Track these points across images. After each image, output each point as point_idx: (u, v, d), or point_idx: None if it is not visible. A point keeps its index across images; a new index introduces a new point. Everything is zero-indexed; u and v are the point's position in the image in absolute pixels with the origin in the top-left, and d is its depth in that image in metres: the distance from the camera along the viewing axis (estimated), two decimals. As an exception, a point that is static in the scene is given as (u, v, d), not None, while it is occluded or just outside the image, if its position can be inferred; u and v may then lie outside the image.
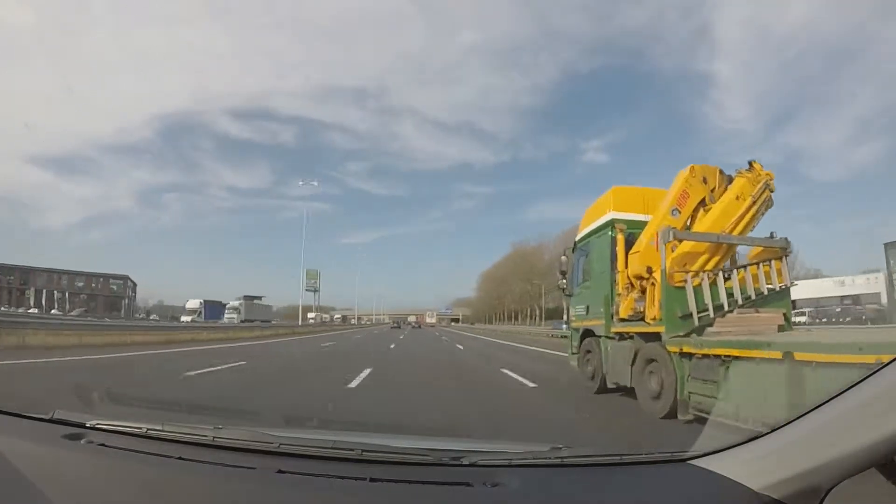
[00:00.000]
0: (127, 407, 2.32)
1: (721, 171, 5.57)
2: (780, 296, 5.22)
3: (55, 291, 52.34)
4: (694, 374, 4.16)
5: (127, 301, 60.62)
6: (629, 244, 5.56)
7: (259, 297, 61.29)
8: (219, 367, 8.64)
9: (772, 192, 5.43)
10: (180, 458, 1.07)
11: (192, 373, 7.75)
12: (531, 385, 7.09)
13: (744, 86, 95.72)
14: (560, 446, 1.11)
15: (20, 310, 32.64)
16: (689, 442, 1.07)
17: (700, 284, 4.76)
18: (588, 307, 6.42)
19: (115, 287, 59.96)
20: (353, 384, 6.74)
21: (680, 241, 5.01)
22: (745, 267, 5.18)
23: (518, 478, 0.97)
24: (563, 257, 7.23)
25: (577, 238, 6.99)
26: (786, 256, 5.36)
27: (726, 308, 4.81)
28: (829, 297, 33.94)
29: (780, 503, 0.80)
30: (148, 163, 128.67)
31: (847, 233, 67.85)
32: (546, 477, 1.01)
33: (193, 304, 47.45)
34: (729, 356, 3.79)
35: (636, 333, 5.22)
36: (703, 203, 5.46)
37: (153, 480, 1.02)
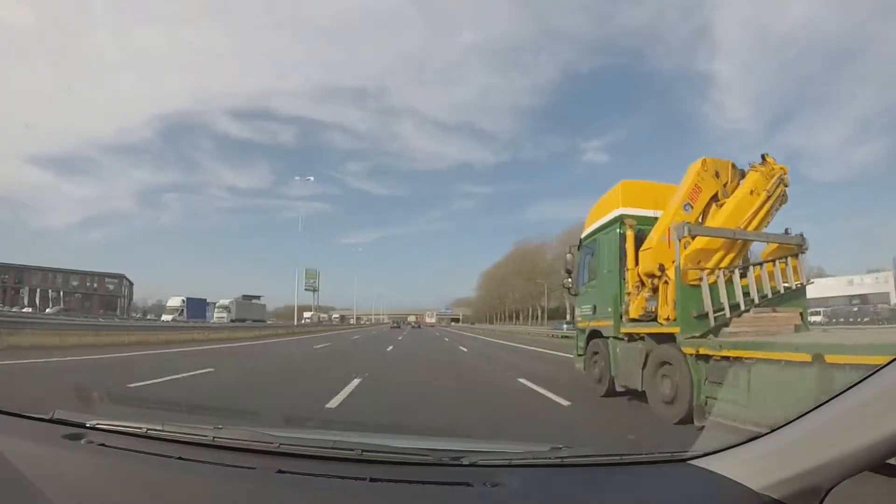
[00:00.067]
0: (127, 407, 2.33)
1: (734, 165, 5.41)
2: (795, 294, 5.04)
3: (50, 290, 51.98)
4: (712, 378, 3.95)
5: (123, 300, 60.09)
6: (639, 241, 5.37)
7: (258, 297, 60.72)
8: (177, 376, 7.23)
9: (786, 186, 5.27)
10: (180, 458, 1.07)
11: (140, 384, 6.34)
12: (564, 402, 5.59)
13: (744, 86, 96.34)
14: (560, 446, 1.11)
15: (14, 309, 32.20)
16: (689, 442, 1.07)
17: (716, 282, 4.54)
18: (595, 307, 6.22)
19: (111, 286, 59.33)
20: (334, 402, 5.28)
21: (693, 236, 4.77)
22: (760, 264, 4.98)
23: (518, 478, 0.97)
24: (569, 255, 6.99)
25: (583, 235, 6.80)
26: (801, 253, 5.18)
27: (742, 307, 4.60)
28: (838, 297, 33.71)
29: (780, 503, 0.79)
30: (148, 163, 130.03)
31: (847, 233, 67.94)
32: (546, 477, 1.01)
33: (175, 301, 44.93)
34: (751, 358, 3.58)
35: (648, 334, 5.03)
36: (715, 198, 5.29)
37: (153, 480, 1.02)
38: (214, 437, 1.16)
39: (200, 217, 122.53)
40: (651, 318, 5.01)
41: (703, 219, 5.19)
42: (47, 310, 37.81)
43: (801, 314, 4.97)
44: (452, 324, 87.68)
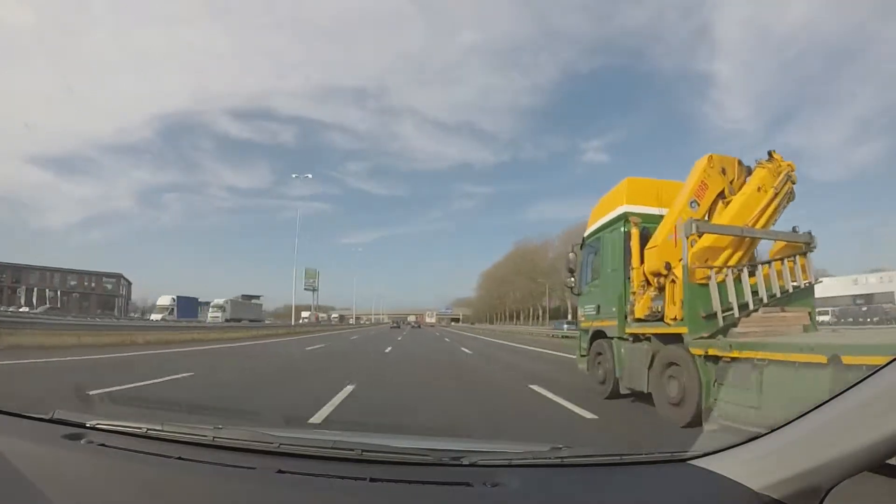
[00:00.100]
0: (127, 407, 2.32)
1: (740, 162, 5.33)
2: (804, 294, 4.96)
3: (47, 290, 51.43)
4: (722, 380, 3.84)
5: (121, 300, 59.64)
6: (644, 239, 5.28)
7: (257, 297, 60.40)
8: (150, 382, 6.57)
9: (793, 183, 5.19)
10: (180, 458, 1.07)
11: (103, 391, 5.12)
12: (588, 415, 4.81)
13: (744, 86, 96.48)
14: (560, 446, 1.11)
15: (10, 308, 31.74)
16: (689, 442, 1.06)
17: (724, 281, 4.42)
18: (599, 307, 6.09)
19: (108, 285, 58.38)
20: (318, 416, 4.52)
21: (701, 234, 4.66)
22: (769, 262, 4.88)
23: (518, 478, 0.97)
24: (571, 254, 6.86)
25: (586, 234, 6.68)
26: (810, 252, 5.09)
27: (751, 307, 4.49)
28: (842, 297, 33.48)
29: (780, 503, 0.79)
30: (148, 163, 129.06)
31: (847, 233, 67.90)
32: (546, 477, 1.01)
33: (164, 300, 43.51)
34: (763, 360, 3.47)
35: (654, 335, 4.92)
36: (721, 195, 5.21)
37: (153, 480, 1.02)
38: (214, 437, 1.16)
39: (200, 217, 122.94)
40: (657, 318, 4.89)
41: (710, 216, 5.12)
42: (30, 308, 36.43)
43: (810, 314, 4.89)
44: (452, 324, 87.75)
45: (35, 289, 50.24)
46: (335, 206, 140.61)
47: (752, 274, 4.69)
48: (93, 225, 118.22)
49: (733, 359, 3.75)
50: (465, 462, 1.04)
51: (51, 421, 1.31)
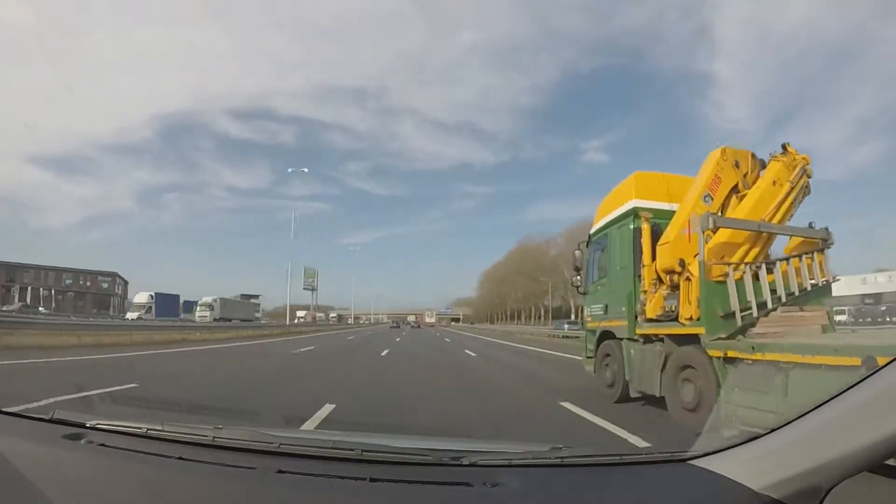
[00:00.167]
0: (127, 407, 2.31)
1: (753, 155, 5.19)
2: (822, 292, 4.76)
3: (41, 289, 50.84)
4: (742, 384, 3.61)
5: (117, 299, 58.95)
6: (654, 235, 5.09)
7: (255, 296, 59.89)
8: (72, 397, 4.58)
9: (809, 177, 5.03)
10: (180, 458, 1.07)
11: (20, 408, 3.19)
12: (642, 444, 3.80)
13: (744, 86, 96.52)
14: (560, 446, 1.11)
15: (3, 307, 31.14)
16: (689, 442, 1.05)
17: (741, 278, 4.19)
18: (606, 306, 5.88)
19: (104, 284, 57.56)
20: None
21: (715, 230, 4.43)
22: (787, 259, 4.65)
23: (518, 478, 0.97)
24: (577, 252, 6.63)
25: (592, 231, 6.46)
26: (827, 248, 4.90)
27: (769, 306, 4.26)
28: (850, 296, 33.10)
29: (780, 503, 0.79)
30: (148, 163, 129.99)
31: (847, 233, 67.75)
32: (546, 477, 1.01)
33: (142, 297, 41.47)
34: (789, 362, 3.25)
35: (668, 335, 4.70)
36: (735, 189, 5.05)
37: (153, 480, 1.02)
38: (214, 437, 1.16)
39: (200, 217, 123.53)
40: (671, 317, 4.68)
41: (723, 211, 4.95)
42: (5, 306, 33.74)
43: (828, 313, 4.68)
44: (452, 323, 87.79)
45: (30, 288, 49.64)
46: (335, 206, 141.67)
47: (770, 271, 4.49)
48: (93, 225, 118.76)
49: (755, 361, 3.55)
50: (465, 462, 1.03)
51: (51, 421, 1.32)
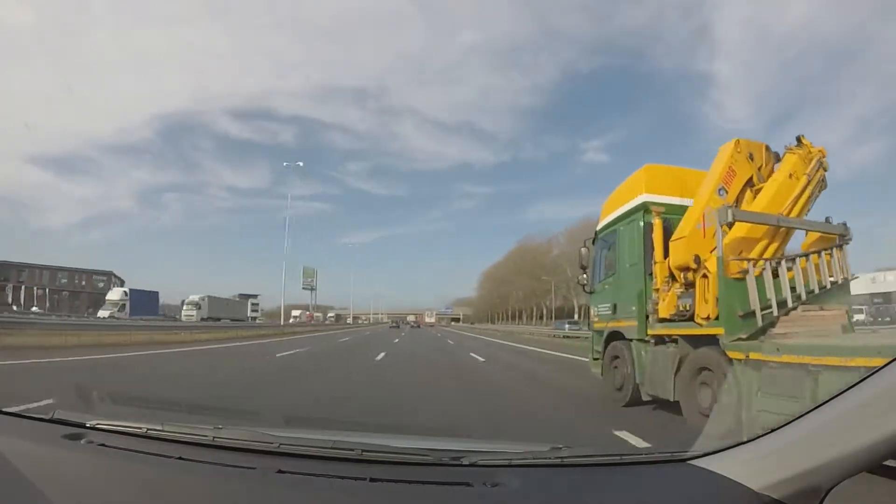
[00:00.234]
0: (127, 407, 2.32)
1: (767, 148, 5.01)
2: (840, 291, 4.54)
3: (35, 288, 50.23)
4: (766, 388, 3.36)
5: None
6: (666, 231, 4.86)
7: (254, 296, 59.49)
8: None
9: (825, 170, 4.89)
10: (180, 458, 1.07)
11: None
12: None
13: (744, 86, 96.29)
14: (560, 446, 1.11)
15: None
16: (689, 442, 1.05)
17: (761, 275, 3.93)
18: (615, 306, 5.61)
19: (100, 284, 56.02)
20: None
21: (731, 224, 4.19)
22: (806, 256, 4.42)
23: (518, 478, 0.97)
24: (583, 249, 6.37)
25: (599, 227, 6.21)
26: (845, 244, 4.71)
27: (790, 304, 4.02)
28: (859, 295, 32.92)
29: (780, 503, 0.79)
30: (148, 163, 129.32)
31: (847, 233, 67.54)
32: (546, 477, 1.00)
33: (115, 294, 38.08)
34: (819, 365, 3.01)
35: (682, 336, 4.46)
36: (749, 183, 4.85)
37: (153, 480, 1.02)
38: (214, 437, 1.16)
39: (200, 217, 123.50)
40: (685, 317, 4.42)
41: (738, 205, 4.71)
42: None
43: (847, 313, 4.48)
44: (452, 323, 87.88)
45: (23, 287, 49.05)
46: (335, 206, 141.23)
47: (789, 268, 4.29)
48: (93, 225, 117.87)
49: (782, 364, 3.30)
50: (465, 462, 1.03)
51: (51, 421, 1.32)
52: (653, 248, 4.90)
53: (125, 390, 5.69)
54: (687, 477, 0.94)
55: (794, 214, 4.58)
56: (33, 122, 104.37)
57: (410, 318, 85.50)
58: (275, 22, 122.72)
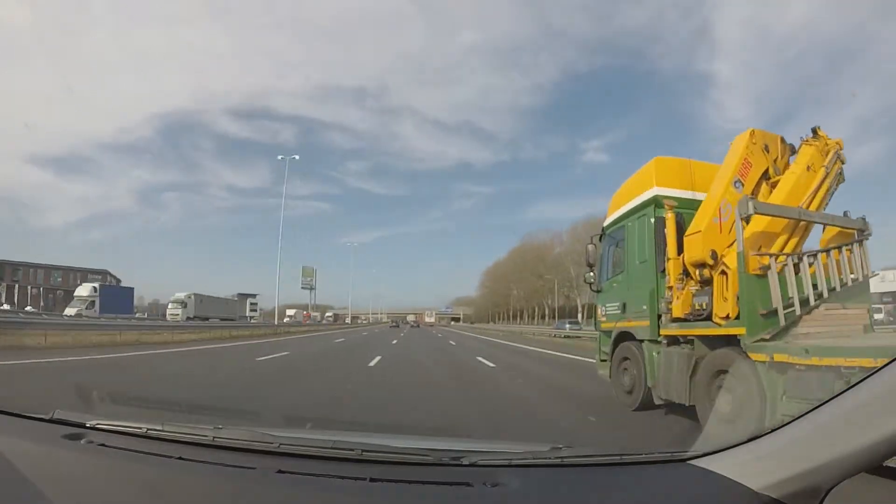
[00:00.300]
0: (127, 407, 2.30)
1: (783, 139, 4.83)
2: (861, 288, 4.35)
3: (30, 287, 49.78)
4: (792, 392, 3.12)
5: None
6: (679, 226, 4.62)
7: (253, 295, 59.13)
8: None
9: (843, 163, 4.70)
10: (180, 458, 1.08)
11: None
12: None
13: (744, 86, 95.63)
14: (560, 446, 1.11)
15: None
16: (689, 442, 1.05)
17: (783, 272, 3.70)
18: (624, 305, 5.35)
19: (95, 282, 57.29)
20: None
21: (748, 219, 3.97)
22: (827, 251, 4.20)
23: (518, 478, 0.97)
24: (590, 246, 6.10)
25: (606, 223, 5.97)
26: (865, 240, 4.52)
27: (812, 302, 3.81)
28: (872, 294, 32.25)
29: (780, 503, 0.79)
30: (147, 162, 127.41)
31: (846, 233, 67.64)
32: (546, 477, 1.01)
33: (84, 290, 35.24)
34: (851, 367, 2.81)
35: (699, 337, 4.21)
36: (765, 175, 4.67)
37: (153, 480, 1.03)
38: (214, 437, 1.17)
39: (200, 216, 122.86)
40: (701, 316, 4.17)
41: (755, 198, 4.46)
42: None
43: (868, 311, 4.31)
44: (452, 323, 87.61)
45: (17, 286, 48.56)
46: (335, 206, 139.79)
47: (811, 263, 4.11)
48: (93, 224, 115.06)
49: (810, 367, 3.07)
50: (465, 462, 1.03)
51: (51, 421, 1.33)
52: (665, 244, 4.67)
53: (125, 390, 5.65)
54: (687, 477, 0.94)
55: (812, 209, 4.38)
56: (33, 122, 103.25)
57: (410, 318, 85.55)
58: (275, 22, 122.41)
